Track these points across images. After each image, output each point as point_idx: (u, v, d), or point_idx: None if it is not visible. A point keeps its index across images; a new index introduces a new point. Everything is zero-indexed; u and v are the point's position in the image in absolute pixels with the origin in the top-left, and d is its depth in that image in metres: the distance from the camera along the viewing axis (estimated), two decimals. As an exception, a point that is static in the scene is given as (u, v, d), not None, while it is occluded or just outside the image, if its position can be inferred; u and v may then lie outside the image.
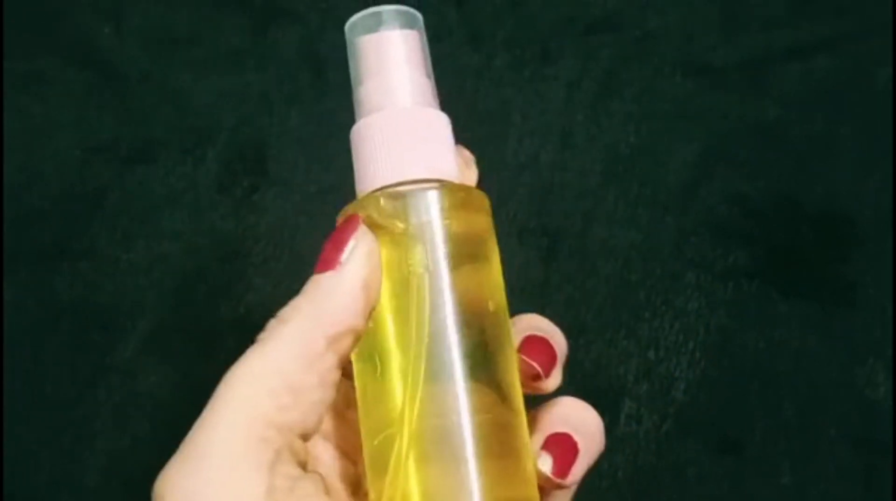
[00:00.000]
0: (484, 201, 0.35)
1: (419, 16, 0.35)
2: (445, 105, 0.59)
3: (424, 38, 0.35)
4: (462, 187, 0.34)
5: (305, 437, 0.32)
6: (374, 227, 0.33)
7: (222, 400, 0.32)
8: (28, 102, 0.56)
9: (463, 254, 0.33)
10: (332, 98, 0.56)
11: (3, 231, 0.54)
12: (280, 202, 0.55)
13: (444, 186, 0.33)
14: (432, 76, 0.35)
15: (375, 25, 0.34)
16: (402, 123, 0.33)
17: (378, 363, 0.32)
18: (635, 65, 0.57)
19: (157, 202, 0.54)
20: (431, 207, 0.33)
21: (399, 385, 0.31)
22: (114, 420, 0.51)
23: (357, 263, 0.33)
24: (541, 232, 0.54)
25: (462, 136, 0.56)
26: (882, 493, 0.50)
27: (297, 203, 0.54)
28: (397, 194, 0.32)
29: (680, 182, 0.55)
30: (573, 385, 0.52)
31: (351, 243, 0.33)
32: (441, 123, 0.35)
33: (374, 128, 0.33)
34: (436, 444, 0.31)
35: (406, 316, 0.32)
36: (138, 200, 0.54)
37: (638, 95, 0.56)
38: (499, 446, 0.31)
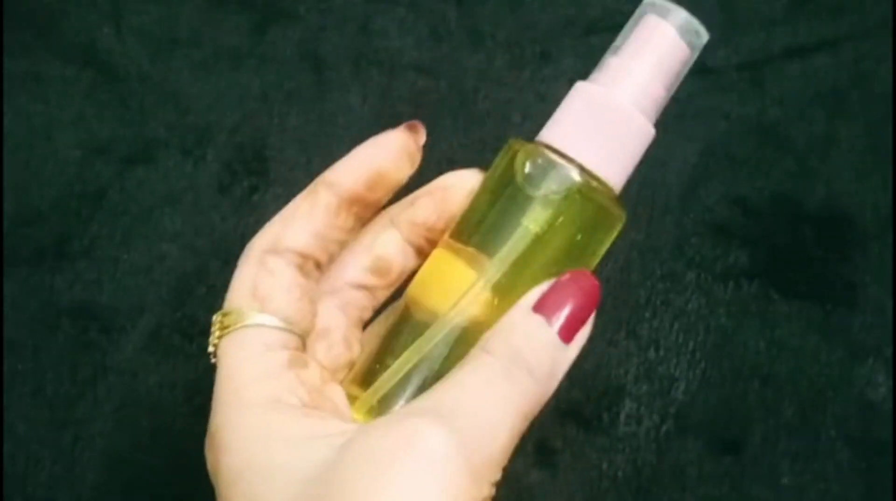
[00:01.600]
0: (617, 222, 0.36)
1: (704, 36, 0.37)
2: (445, 105, 0.59)
3: (693, 58, 0.37)
4: (610, 196, 0.36)
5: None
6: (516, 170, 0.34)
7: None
8: (28, 102, 0.56)
9: (564, 247, 0.35)
10: (332, 98, 0.56)
11: (3, 231, 0.54)
12: (280, 202, 0.54)
13: (596, 186, 0.35)
14: (671, 92, 0.37)
15: (665, 14, 0.36)
16: (612, 112, 0.35)
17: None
18: (635, 65, 0.57)
19: (157, 202, 0.54)
20: (572, 188, 0.34)
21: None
22: (114, 420, 0.51)
23: (578, 348, 0.34)
24: (541, 232, 0.54)
25: (462, 136, 0.56)
26: (882, 493, 0.50)
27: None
28: (557, 161, 0.34)
29: (680, 182, 0.55)
30: (573, 385, 0.52)
31: (589, 324, 0.34)
32: (642, 136, 0.37)
33: (589, 98, 0.35)
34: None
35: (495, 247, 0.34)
36: (138, 200, 0.54)
37: (638, 95, 0.56)
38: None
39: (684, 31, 0.36)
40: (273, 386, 0.32)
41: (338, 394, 0.35)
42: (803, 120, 0.56)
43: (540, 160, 0.35)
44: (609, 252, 0.54)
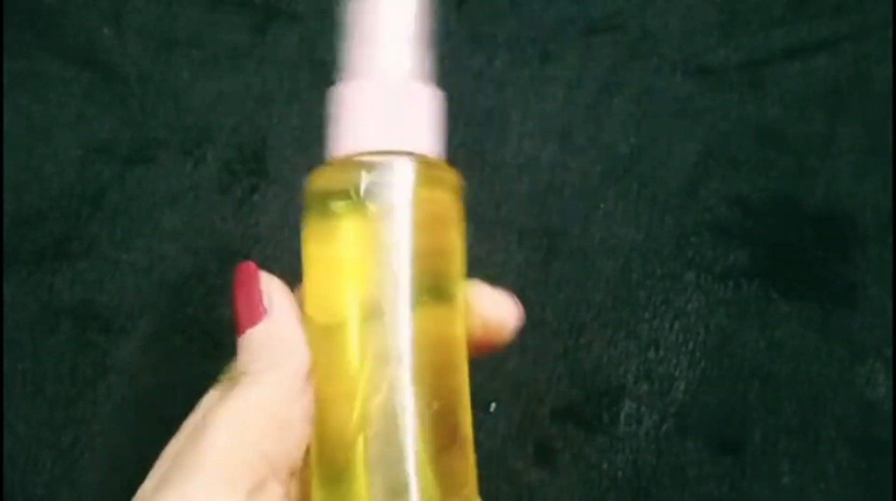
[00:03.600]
0: (453, 178, 0.33)
1: None
2: (446, 105, 0.59)
3: (425, 4, 0.34)
4: (432, 162, 0.33)
5: (291, 473, 0.31)
6: (332, 194, 0.31)
7: (212, 427, 0.31)
8: (28, 102, 0.56)
9: (425, 228, 0.31)
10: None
11: (3, 231, 0.54)
12: (280, 202, 0.54)
13: (414, 159, 0.32)
14: (426, 43, 0.34)
15: None
16: (379, 93, 0.33)
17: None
18: (635, 65, 0.57)
19: (157, 202, 0.54)
20: (396, 178, 0.32)
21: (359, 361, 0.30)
22: (114, 420, 0.51)
23: (281, 303, 0.32)
24: (541, 232, 0.54)
25: (462, 136, 0.56)
26: (882, 493, 0.50)
27: (297, 203, 0.54)
28: (366, 163, 0.31)
29: (680, 182, 0.55)
30: (574, 385, 0.52)
31: (265, 290, 0.32)
32: (422, 97, 0.34)
33: (353, 95, 0.33)
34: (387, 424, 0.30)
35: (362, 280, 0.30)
36: (138, 200, 0.54)
37: (638, 95, 0.56)
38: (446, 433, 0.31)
39: None
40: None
41: None
42: (803, 120, 0.56)
43: (365, 172, 0.31)
44: (609, 252, 0.54)
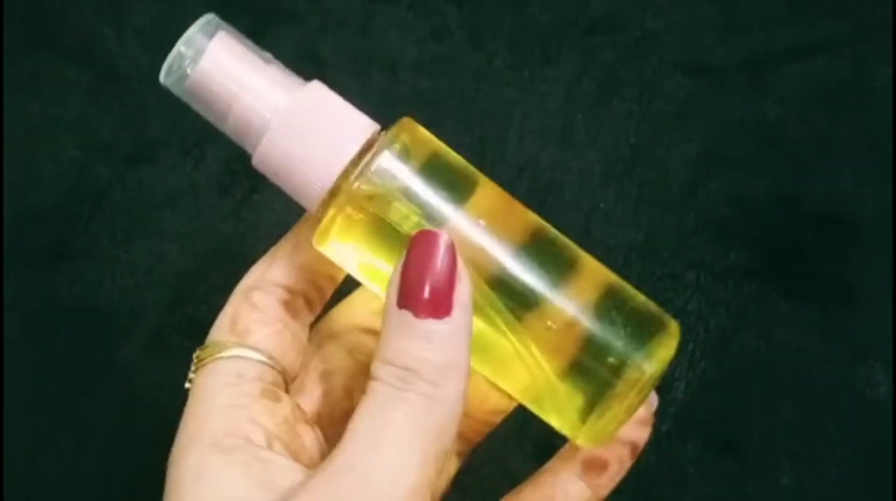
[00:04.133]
0: (411, 123, 0.33)
1: (211, 16, 0.33)
2: (445, 105, 0.59)
3: (231, 28, 0.33)
4: (397, 127, 0.32)
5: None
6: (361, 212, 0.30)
7: (391, 436, 0.29)
8: (28, 102, 0.56)
9: (447, 183, 0.31)
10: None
11: (3, 231, 0.54)
12: (280, 202, 0.54)
13: (386, 138, 0.31)
14: (269, 55, 0.33)
15: (197, 57, 0.32)
16: (296, 118, 0.31)
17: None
18: (635, 65, 0.57)
19: (157, 202, 0.54)
20: (396, 165, 0.31)
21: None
22: (114, 420, 0.51)
23: (469, 305, 0.29)
24: (541, 232, 0.54)
25: (462, 136, 0.56)
26: (882, 493, 0.50)
27: (297, 203, 0.54)
28: (369, 173, 0.30)
29: (680, 182, 0.55)
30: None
31: (459, 283, 0.29)
32: (321, 93, 0.32)
33: (281, 138, 0.31)
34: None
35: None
36: (138, 200, 0.54)
37: (638, 95, 0.56)
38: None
39: (213, 26, 0.33)
40: (234, 417, 0.31)
41: (308, 436, 0.33)
42: (803, 120, 0.56)
43: (371, 168, 0.31)
44: (609, 252, 0.54)
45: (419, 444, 0.28)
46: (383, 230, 0.31)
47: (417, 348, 0.28)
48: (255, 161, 0.31)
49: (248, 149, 0.32)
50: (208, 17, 0.32)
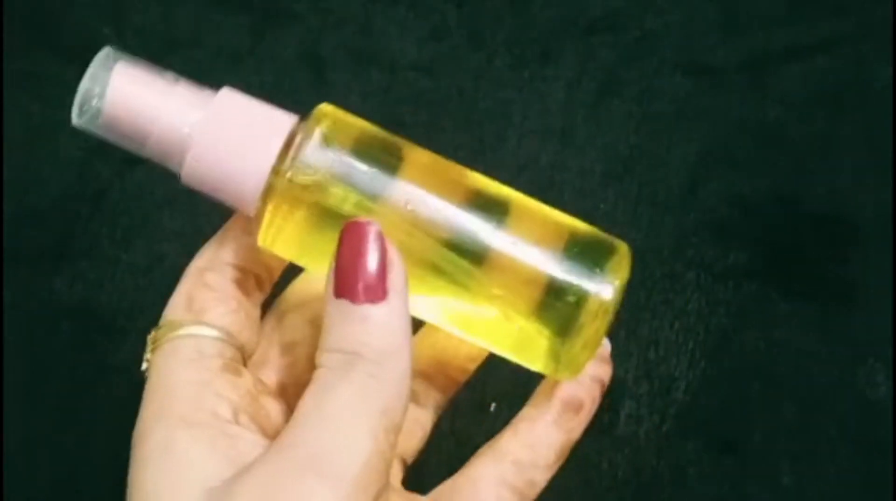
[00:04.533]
0: (329, 107, 0.34)
1: (108, 49, 0.33)
2: (445, 105, 0.59)
3: (131, 56, 0.33)
4: (315, 115, 0.33)
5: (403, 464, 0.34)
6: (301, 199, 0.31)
7: (335, 420, 0.30)
8: (28, 102, 0.56)
9: (377, 157, 0.32)
10: (332, 98, 0.56)
11: (3, 231, 0.54)
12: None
13: (307, 127, 0.32)
14: (174, 74, 0.33)
15: (101, 93, 0.33)
16: (214, 127, 0.31)
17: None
18: (635, 65, 0.57)
19: (157, 202, 0.54)
20: (322, 150, 0.31)
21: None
22: (114, 420, 0.51)
23: (404, 288, 0.30)
24: (541, 232, 0.54)
25: (462, 136, 0.56)
26: (882, 493, 0.50)
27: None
28: (297, 164, 0.31)
29: (680, 182, 0.55)
30: (573, 385, 0.52)
31: (391, 267, 0.30)
32: (233, 99, 0.33)
33: (203, 151, 0.31)
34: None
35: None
36: (138, 200, 0.54)
37: (638, 95, 0.56)
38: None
39: (112, 58, 0.33)
40: (199, 392, 0.31)
41: (273, 408, 0.33)
42: (803, 120, 0.56)
43: (301, 157, 0.31)
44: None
45: (366, 421, 0.29)
46: (325, 217, 0.31)
47: (357, 332, 0.30)
48: (184, 179, 0.32)
49: (174, 169, 0.32)
50: (106, 51, 0.33)
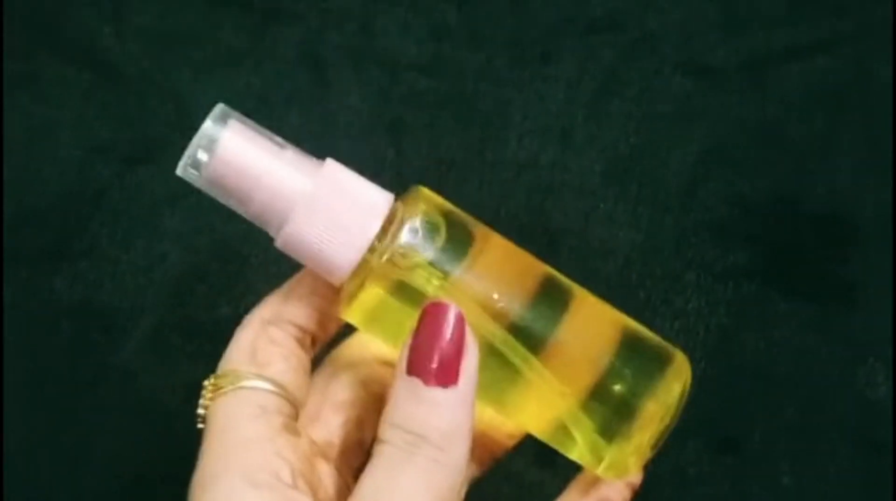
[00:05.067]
0: (423, 191, 0.34)
1: (222, 106, 0.34)
2: (445, 105, 0.59)
3: (241, 115, 0.34)
4: (413, 199, 0.34)
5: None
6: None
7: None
8: (28, 102, 0.56)
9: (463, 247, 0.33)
10: (332, 98, 0.56)
11: (3, 231, 0.54)
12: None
13: (405, 211, 0.33)
14: (281, 139, 0.34)
15: (212, 147, 0.33)
16: (319, 201, 0.32)
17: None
18: (635, 65, 0.57)
19: (157, 202, 0.54)
20: (416, 237, 0.32)
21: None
22: (114, 420, 0.51)
23: (474, 376, 0.31)
24: (541, 232, 0.54)
25: (462, 136, 0.56)
26: (882, 493, 0.50)
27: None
28: (394, 247, 0.32)
29: (680, 182, 0.55)
30: (573, 385, 0.52)
31: (470, 345, 0.31)
32: (338, 174, 0.33)
33: (306, 222, 0.32)
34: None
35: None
36: (138, 200, 0.54)
37: (638, 95, 0.56)
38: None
39: (225, 115, 0.34)
40: (263, 450, 0.31)
41: (324, 471, 0.34)
42: (803, 120, 0.56)
43: (403, 238, 0.32)
44: (609, 252, 0.54)
45: None
46: (408, 296, 0.32)
47: (425, 414, 0.30)
48: (280, 243, 0.32)
49: (271, 232, 0.33)
50: (220, 108, 0.34)
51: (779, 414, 0.51)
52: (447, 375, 0.30)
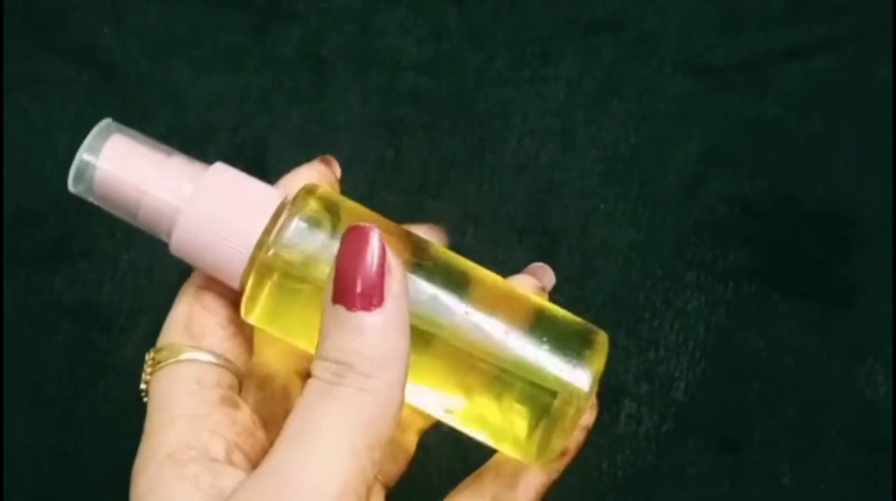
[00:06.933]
0: (312, 185, 0.33)
1: (108, 121, 0.33)
2: (445, 105, 0.59)
3: (128, 129, 0.34)
4: (301, 193, 0.33)
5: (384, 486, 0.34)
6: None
7: (318, 435, 0.29)
8: (28, 102, 0.56)
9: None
10: (332, 98, 0.56)
11: (3, 231, 0.54)
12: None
13: (292, 204, 0.32)
14: (168, 147, 0.34)
15: (93, 165, 0.33)
16: (203, 202, 0.32)
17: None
18: (635, 65, 0.57)
19: (157, 202, 0.54)
20: (305, 227, 0.32)
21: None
22: (114, 420, 0.51)
23: (402, 295, 0.29)
24: (541, 232, 0.54)
25: (462, 136, 0.56)
26: (882, 493, 0.50)
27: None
28: (281, 240, 0.31)
29: (680, 182, 0.55)
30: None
31: (390, 272, 0.29)
32: (224, 174, 0.33)
33: (193, 224, 0.32)
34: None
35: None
36: (138, 200, 0.54)
37: (638, 95, 0.56)
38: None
39: (109, 129, 0.34)
40: (194, 427, 0.31)
41: (268, 440, 0.33)
42: (803, 120, 0.56)
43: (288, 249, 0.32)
44: (609, 252, 0.54)
45: (347, 439, 0.28)
46: (301, 290, 0.31)
47: (351, 341, 0.29)
48: (173, 249, 0.33)
49: (163, 238, 0.33)
50: (105, 122, 0.34)
51: (779, 414, 0.51)
52: (371, 297, 0.29)
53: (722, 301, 0.53)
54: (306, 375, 0.30)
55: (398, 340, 0.29)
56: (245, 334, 0.34)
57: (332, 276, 0.29)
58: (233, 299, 0.34)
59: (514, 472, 0.34)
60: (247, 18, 0.57)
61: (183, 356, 0.32)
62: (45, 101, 0.56)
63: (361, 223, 0.30)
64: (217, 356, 0.32)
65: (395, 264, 0.29)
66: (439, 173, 0.55)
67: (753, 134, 0.55)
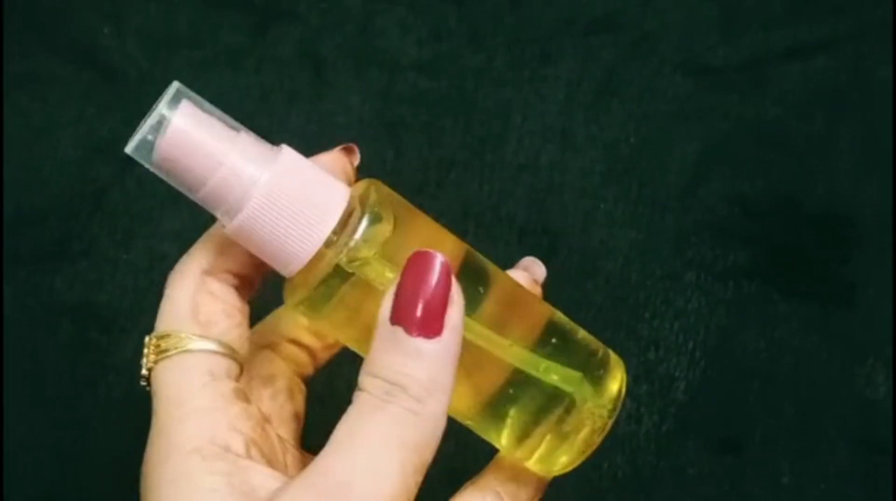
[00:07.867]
0: (378, 184, 0.33)
1: (176, 84, 0.32)
2: (445, 105, 0.59)
3: (196, 96, 0.32)
4: (370, 194, 0.33)
5: None
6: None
7: (368, 454, 0.30)
8: (28, 102, 0.56)
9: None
10: (332, 98, 0.56)
11: (3, 231, 0.54)
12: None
13: (363, 207, 0.32)
14: (236, 122, 0.32)
15: (164, 128, 0.32)
16: (276, 191, 0.31)
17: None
18: (635, 65, 0.57)
19: (157, 202, 0.54)
20: (373, 230, 0.31)
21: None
22: (114, 420, 0.51)
23: (459, 327, 0.30)
24: (541, 232, 0.54)
25: (462, 136, 0.56)
26: (882, 493, 0.50)
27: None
28: (353, 242, 0.31)
29: (680, 182, 0.55)
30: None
31: (456, 298, 0.29)
32: (295, 164, 0.32)
33: (262, 212, 0.31)
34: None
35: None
36: (138, 200, 0.54)
37: (638, 95, 0.56)
38: None
39: (179, 95, 0.32)
40: (215, 422, 0.31)
41: (273, 437, 0.33)
42: (803, 120, 0.56)
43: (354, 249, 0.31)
44: (609, 252, 0.54)
45: (398, 455, 0.29)
46: (360, 290, 0.31)
47: (406, 364, 0.29)
48: (232, 231, 0.31)
49: (220, 216, 0.32)
50: (176, 87, 0.32)
51: (779, 414, 0.51)
52: (431, 325, 0.29)
53: (722, 301, 0.53)
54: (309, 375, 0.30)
55: (449, 370, 0.30)
56: (246, 319, 0.34)
57: (394, 295, 0.30)
58: (235, 285, 0.33)
59: (515, 467, 0.34)
60: (247, 18, 0.57)
61: (193, 346, 0.32)
62: (45, 101, 0.56)
63: (430, 250, 0.30)
64: (224, 346, 0.32)
65: (457, 295, 0.30)
66: (439, 173, 0.55)
67: (753, 134, 0.55)
